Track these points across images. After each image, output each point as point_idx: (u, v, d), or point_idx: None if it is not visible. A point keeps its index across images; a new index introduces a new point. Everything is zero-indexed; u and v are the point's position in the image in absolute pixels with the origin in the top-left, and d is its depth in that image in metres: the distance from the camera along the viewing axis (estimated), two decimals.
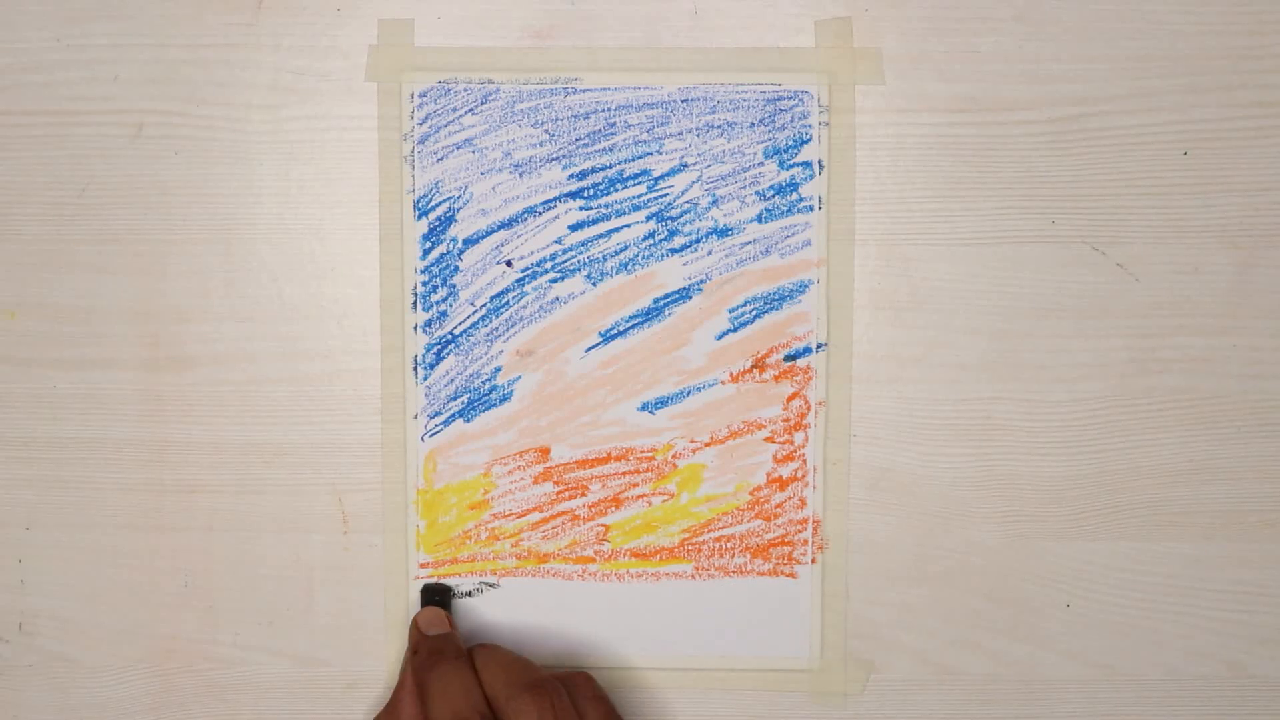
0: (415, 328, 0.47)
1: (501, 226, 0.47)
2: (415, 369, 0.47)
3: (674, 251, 0.47)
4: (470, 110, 0.47)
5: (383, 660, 0.48)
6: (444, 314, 0.47)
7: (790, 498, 0.47)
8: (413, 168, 0.47)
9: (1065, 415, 0.47)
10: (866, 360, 0.47)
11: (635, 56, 0.46)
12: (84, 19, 0.46)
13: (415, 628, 0.45)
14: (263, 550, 0.48)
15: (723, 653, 0.48)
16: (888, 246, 0.47)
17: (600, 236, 0.47)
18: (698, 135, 0.47)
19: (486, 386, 0.47)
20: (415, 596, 0.48)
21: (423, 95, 0.46)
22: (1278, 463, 0.47)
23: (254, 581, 0.48)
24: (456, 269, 0.47)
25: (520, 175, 0.47)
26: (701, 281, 0.47)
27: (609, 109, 0.47)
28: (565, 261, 0.47)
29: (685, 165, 0.47)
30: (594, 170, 0.47)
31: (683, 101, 0.46)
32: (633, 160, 0.47)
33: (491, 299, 0.47)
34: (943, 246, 0.47)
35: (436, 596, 0.47)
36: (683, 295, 0.47)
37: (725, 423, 0.47)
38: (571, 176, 0.47)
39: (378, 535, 0.48)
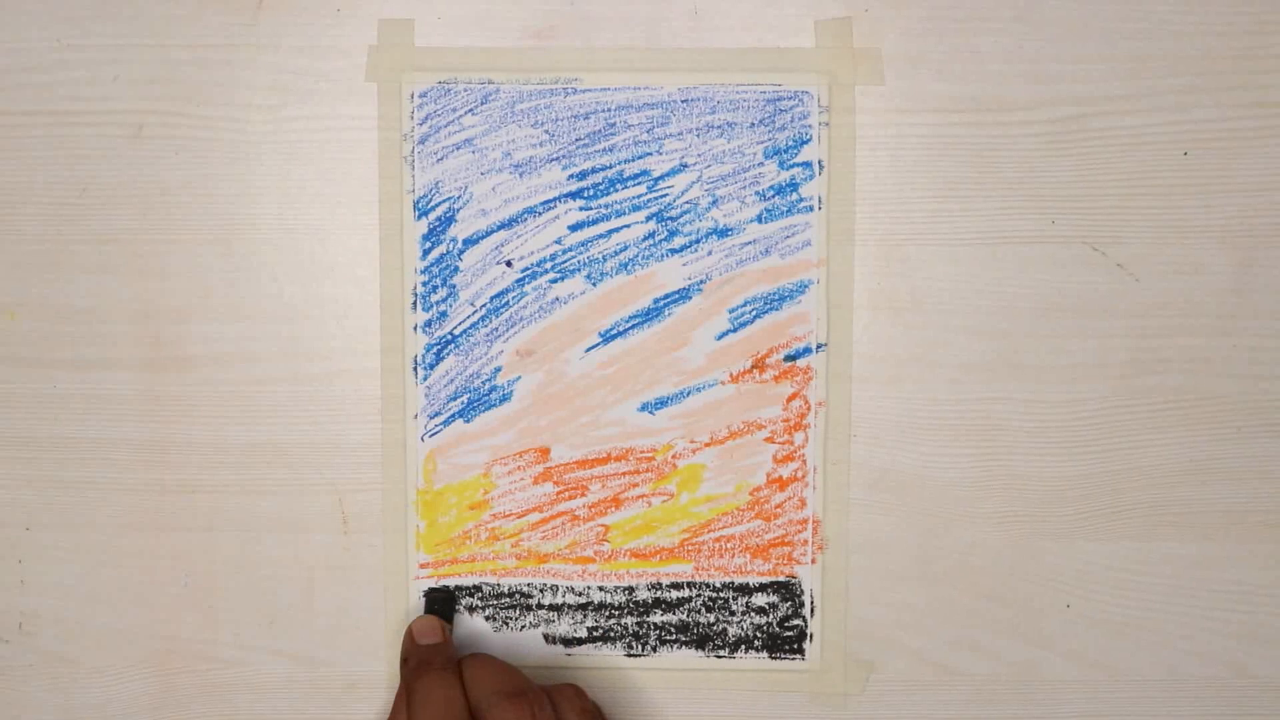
0: (415, 328, 0.47)
1: (501, 226, 0.47)
2: (415, 369, 0.47)
3: (674, 252, 0.47)
4: (470, 110, 0.47)
5: (383, 660, 0.48)
6: (444, 314, 0.47)
7: (790, 498, 0.47)
8: (413, 168, 0.47)
9: (1065, 415, 0.47)
10: (866, 360, 0.47)
11: (635, 56, 0.46)
12: (84, 19, 0.46)
13: (409, 636, 0.45)
14: (263, 550, 0.48)
15: (722, 653, 0.48)
16: (888, 246, 0.47)
17: (600, 237, 0.47)
18: (698, 135, 0.47)
19: (486, 386, 0.47)
20: (417, 598, 0.48)
21: (423, 95, 0.46)
22: (1278, 463, 0.47)
23: (254, 581, 0.48)
24: (456, 269, 0.47)
25: (520, 175, 0.47)
26: (701, 282, 0.47)
27: (609, 109, 0.46)
28: (565, 261, 0.47)
29: (685, 165, 0.47)
30: (594, 170, 0.47)
31: (683, 101, 0.46)
32: (633, 160, 0.47)
33: (491, 299, 0.47)
34: (943, 246, 0.47)
35: (437, 605, 0.47)
36: (683, 295, 0.47)
37: (725, 423, 0.47)
38: (571, 177, 0.47)
39: (378, 535, 0.48)
